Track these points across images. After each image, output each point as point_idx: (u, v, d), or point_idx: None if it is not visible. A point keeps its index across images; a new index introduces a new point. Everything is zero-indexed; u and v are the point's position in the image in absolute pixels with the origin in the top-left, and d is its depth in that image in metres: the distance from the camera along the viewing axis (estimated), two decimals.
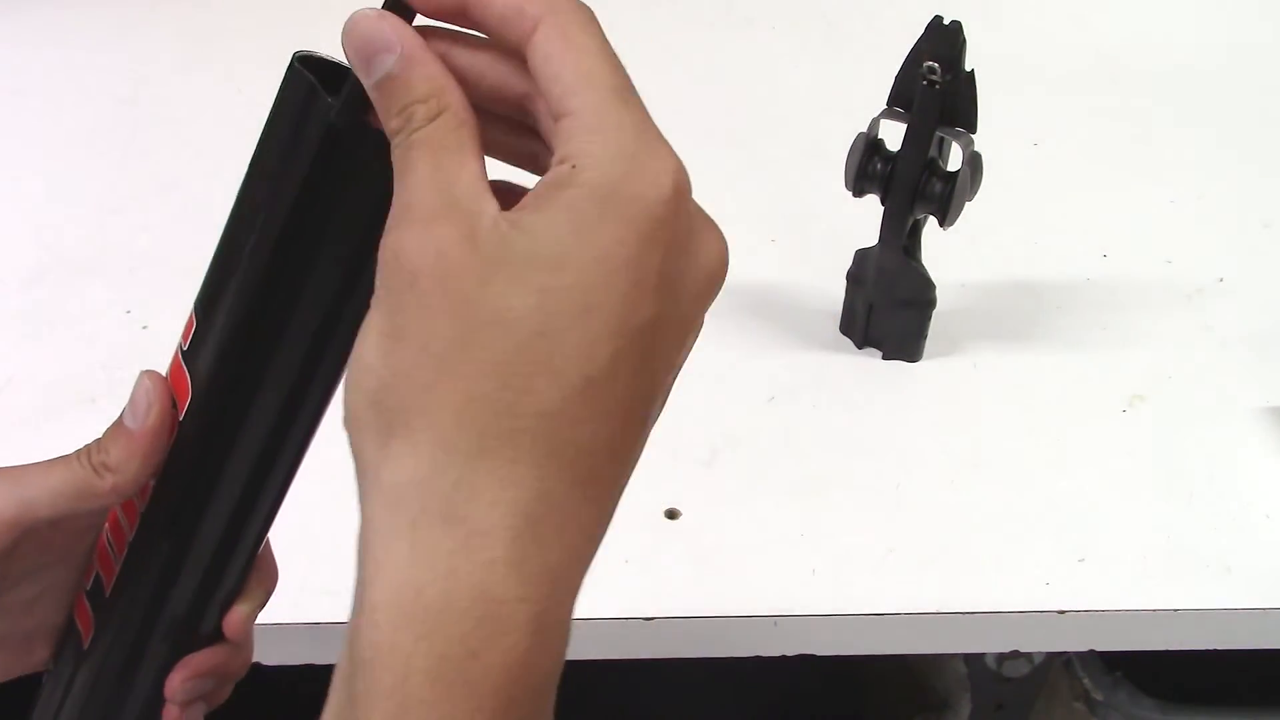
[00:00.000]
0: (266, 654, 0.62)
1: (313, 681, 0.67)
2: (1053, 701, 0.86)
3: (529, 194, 0.30)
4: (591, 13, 0.31)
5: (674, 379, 0.33)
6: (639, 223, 0.29)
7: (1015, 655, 0.79)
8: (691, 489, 0.69)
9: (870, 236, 0.75)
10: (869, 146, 0.72)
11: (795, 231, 0.90)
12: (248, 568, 0.42)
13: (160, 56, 1.10)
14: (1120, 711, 0.83)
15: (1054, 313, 0.83)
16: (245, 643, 0.44)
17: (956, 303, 0.81)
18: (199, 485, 0.39)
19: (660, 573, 0.65)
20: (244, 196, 0.35)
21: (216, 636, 0.43)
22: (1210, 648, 0.65)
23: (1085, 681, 0.84)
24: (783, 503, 0.69)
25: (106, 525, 0.42)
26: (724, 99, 1.06)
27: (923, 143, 0.70)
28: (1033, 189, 0.94)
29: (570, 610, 0.31)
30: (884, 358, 0.79)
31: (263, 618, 0.63)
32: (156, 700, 0.43)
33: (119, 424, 0.38)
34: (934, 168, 0.71)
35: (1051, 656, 0.81)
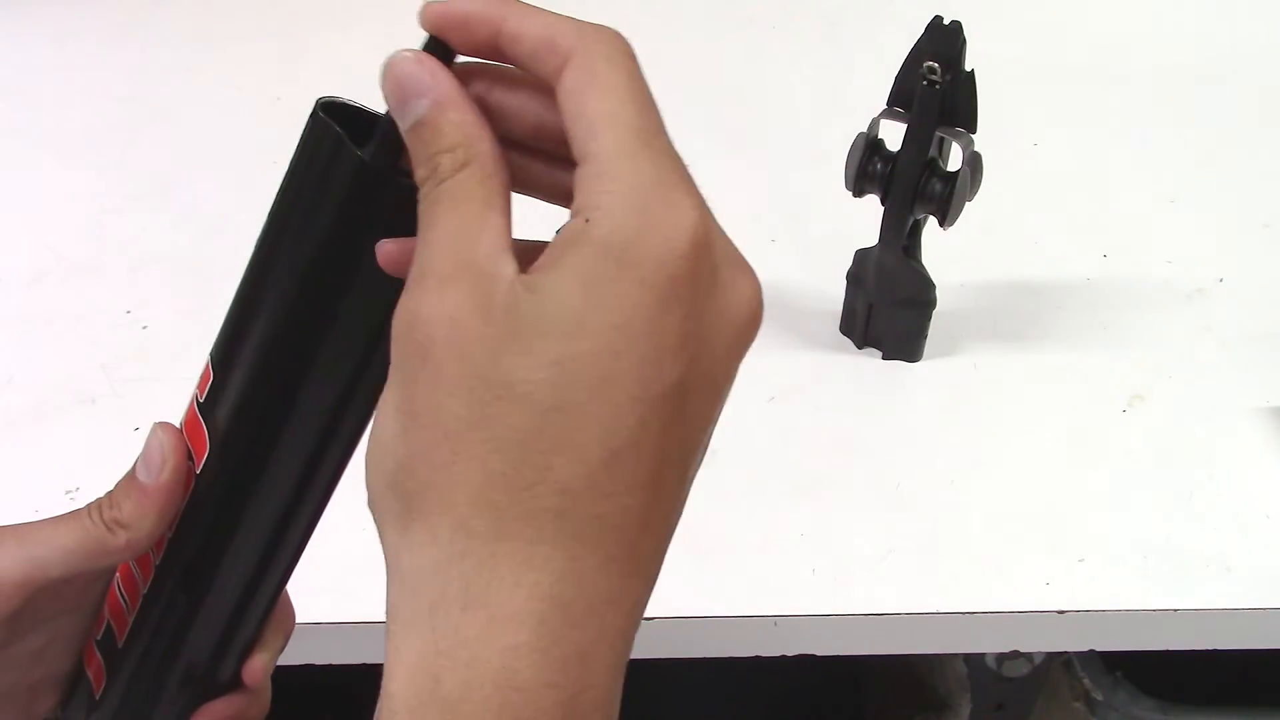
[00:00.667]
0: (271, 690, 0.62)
1: (311, 681, 0.67)
2: (1053, 701, 0.86)
3: (546, 250, 0.29)
4: (626, 46, 0.30)
5: (711, 432, 0.31)
6: (655, 282, 0.27)
7: (1015, 655, 0.79)
8: (692, 489, 0.69)
9: (870, 236, 0.75)
10: (869, 146, 0.72)
11: (795, 231, 0.89)
12: (267, 616, 0.42)
13: (160, 56, 1.10)
14: (1120, 711, 0.83)
15: (1054, 313, 0.83)
16: (264, 690, 0.43)
17: (956, 303, 0.81)
18: (216, 538, 0.38)
19: (660, 573, 0.65)
20: (264, 248, 0.34)
21: (234, 684, 0.42)
22: (1210, 648, 0.65)
23: (1085, 681, 0.84)
24: (783, 503, 0.69)
25: (118, 575, 0.41)
26: (724, 99, 1.05)
27: (923, 143, 0.70)
28: (1033, 189, 0.94)
29: (609, 691, 0.30)
30: (884, 358, 0.79)
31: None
32: None
33: (132, 478, 0.37)
34: (934, 168, 0.71)
35: (1051, 656, 0.81)
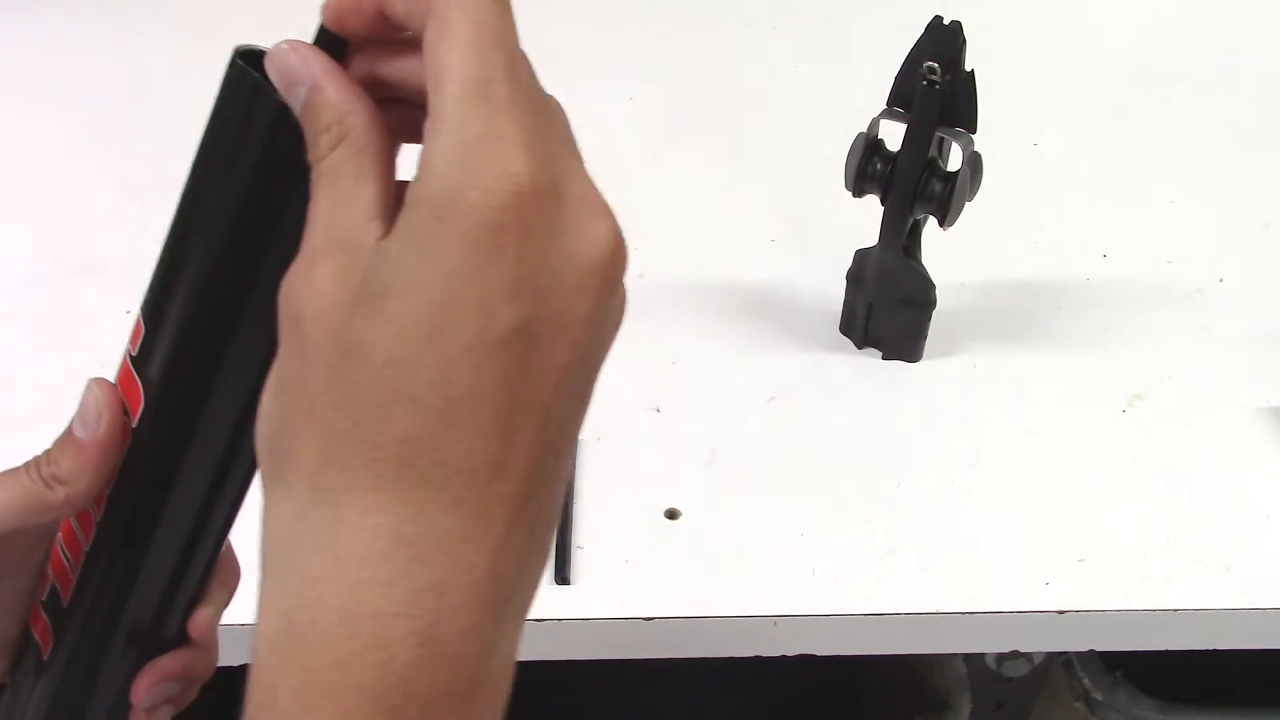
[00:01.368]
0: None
1: None
2: (1053, 701, 0.87)
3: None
4: None
5: (575, 381, 0.31)
6: (476, 233, 0.28)
7: (1015, 655, 0.79)
8: (691, 489, 0.69)
9: (870, 236, 0.75)
10: (869, 146, 0.72)
11: (795, 231, 0.90)
12: (209, 570, 0.42)
13: (160, 56, 1.10)
14: (1120, 711, 0.83)
15: (1054, 313, 0.83)
16: (210, 644, 0.44)
17: (956, 303, 0.81)
18: (155, 492, 0.38)
19: (660, 573, 0.65)
20: (188, 197, 0.35)
21: (181, 640, 0.43)
22: (1210, 648, 0.65)
23: (1085, 681, 0.84)
24: (783, 503, 0.69)
25: (60, 534, 0.41)
26: (724, 99, 1.06)
27: (923, 143, 0.70)
28: (1033, 189, 0.94)
29: (478, 627, 0.30)
30: (884, 358, 0.79)
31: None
32: (122, 706, 0.43)
33: (68, 434, 0.38)
34: (934, 168, 0.71)
35: (1051, 656, 0.81)
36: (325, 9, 0.32)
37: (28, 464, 0.39)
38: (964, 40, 0.67)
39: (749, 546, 0.66)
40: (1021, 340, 0.80)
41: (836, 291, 0.79)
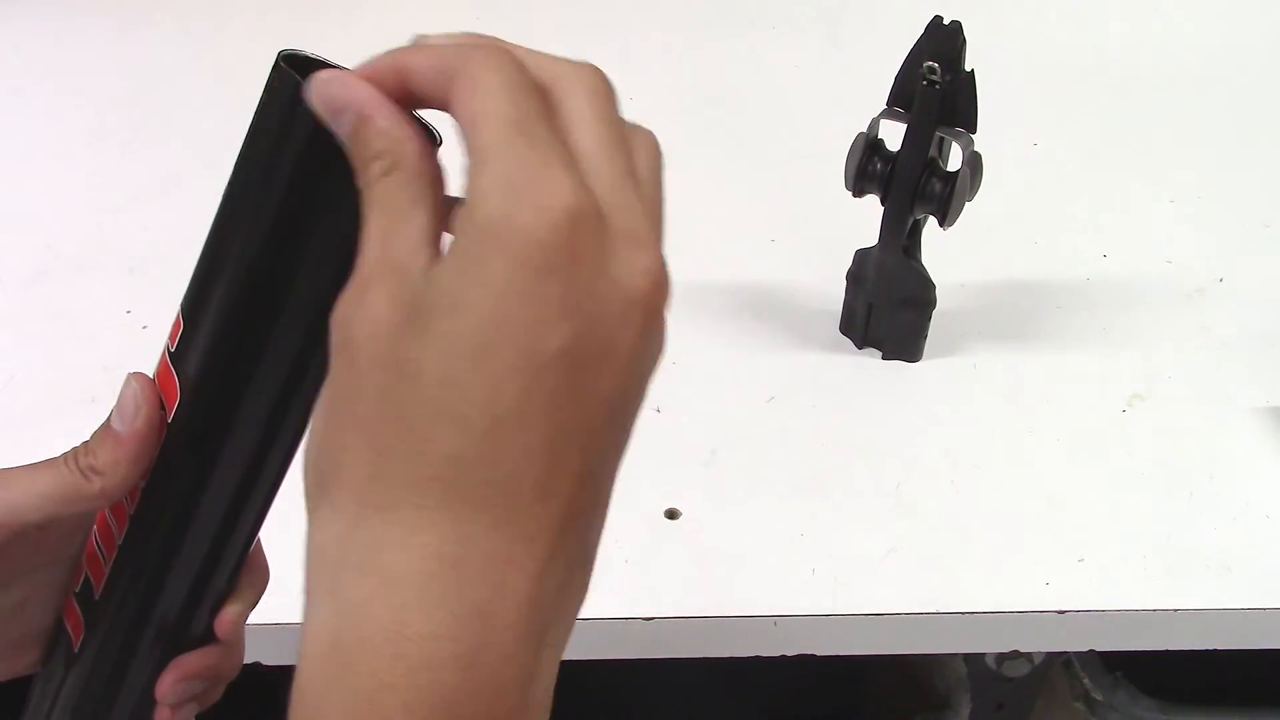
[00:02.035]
0: (266, 654, 0.62)
1: None
2: (1053, 701, 0.87)
3: None
4: (503, 52, 0.32)
5: (618, 412, 0.32)
6: (529, 254, 0.29)
7: (1015, 655, 0.79)
8: (691, 489, 0.69)
9: (870, 236, 0.75)
10: (869, 146, 0.72)
11: (795, 231, 0.90)
12: (239, 568, 0.42)
13: (160, 56, 1.10)
14: (1120, 711, 0.83)
15: (1054, 313, 0.83)
16: (237, 643, 0.44)
17: (956, 303, 0.81)
18: (189, 487, 0.39)
19: (660, 573, 0.65)
20: (230, 197, 0.35)
21: (208, 637, 0.43)
22: (1210, 648, 0.65)
23: (1085, 681, 0.84)
24: (783, 503, 0.69)
25: (95, 527, 0.42)
26: (724, 99, 1.06)
27: (923, 143, 0.70)
28: (1033, 189, 0.94)
29: (521, 652, 0.31)
30: (884, 358, 0.79)
31: (262, 618, 0.63)
32: (147, 702, 0.43)
33: (107, 427, 0.38)
34: (934, 168, 0.71)
35: (1051, 656, 0.81)
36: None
37: (66, 454, 0.39)
38: (964, 40, 0.67)
39: (749, 546, 0.66)
40: (1021, 340, 0.80)
41: (836, 291, 0.79)
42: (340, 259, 0.34)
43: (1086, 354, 0.79)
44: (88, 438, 0.39)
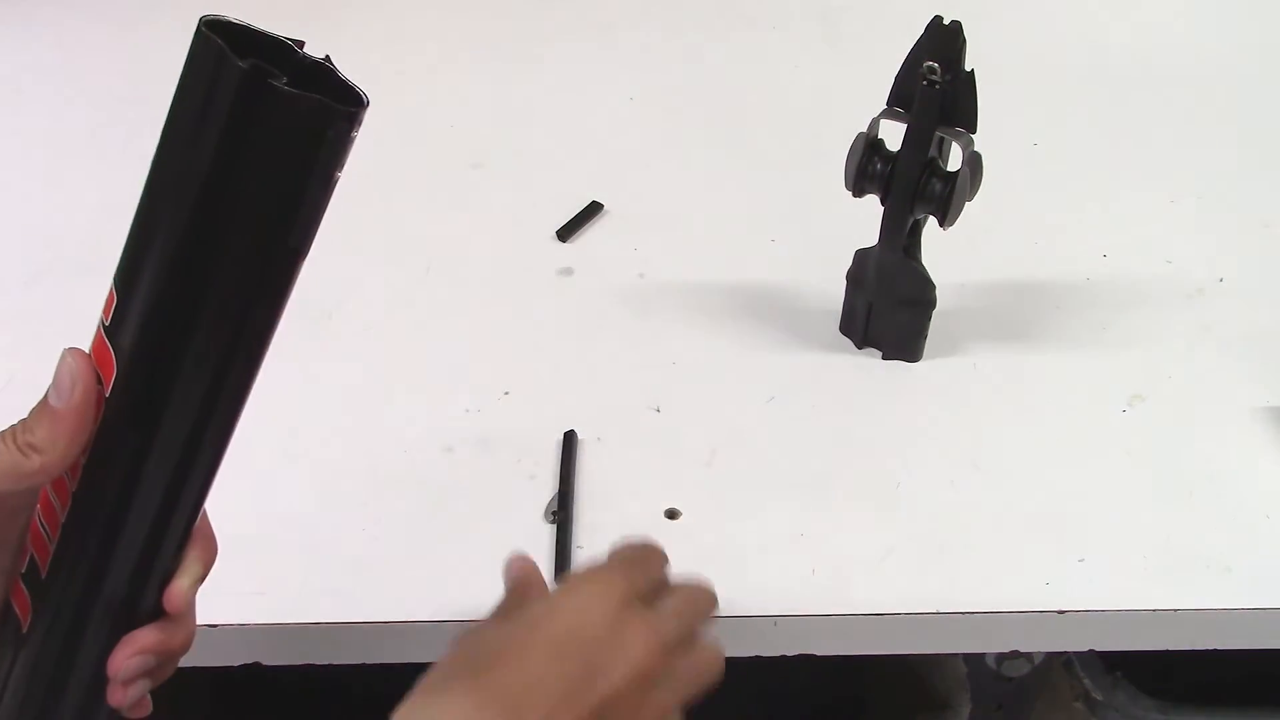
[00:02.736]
0: (266, 654, 0.62)
1: (311, 681, 0.67)
2: (1053, 701, 0.86)
3: None
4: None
5: None
6: None
7: (1015, 655, 0.79)
8: (691, 489, 0.69)
9: (870, 236, 0.75)
10: (869, 146, 0.72)
11: (795, 231, 0.90)
12: (184, 541, 0.42)
13: (160, 56, 1.10)
14: (1120, 711, 0.83)
15: (1054, 313, 0.83)
16: (187, 617, 0.44)
17: (956, 303, 0.81)
18: (128, 461, 0.39)
19: None
20: (156, 165, 0.35)
21: (157, 612, 0.43)
22: (1210, 648, 0.65)
23: (1085, 681, 0.84)
24: (783, 503, 0.69)
25: (38, 507, 0.42)
26: (724, 99, 1.06)
27: (923, 143, 0.70)
28: (1033, 189, 0.94)
29: None
30: (884, 358, 0.79)
31: (262, 618, 0.63)
32: (100, 679, 0.43)
33: (44, 403, 0.38)
34: (934, 168, 0.71)
35: (1051, 656, 0.81)
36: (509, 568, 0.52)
37: (3, 432, 0.39)
38: (964, 40, 0.67)
39: (749, 546, 0.66)
40: (1021, 340, 0.80)
41: (836, 291, 0.79)
42: (268, 223, 0.34)
43: (1086, 354, 0.79)
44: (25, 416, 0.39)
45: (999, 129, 0.75)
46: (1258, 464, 0.72)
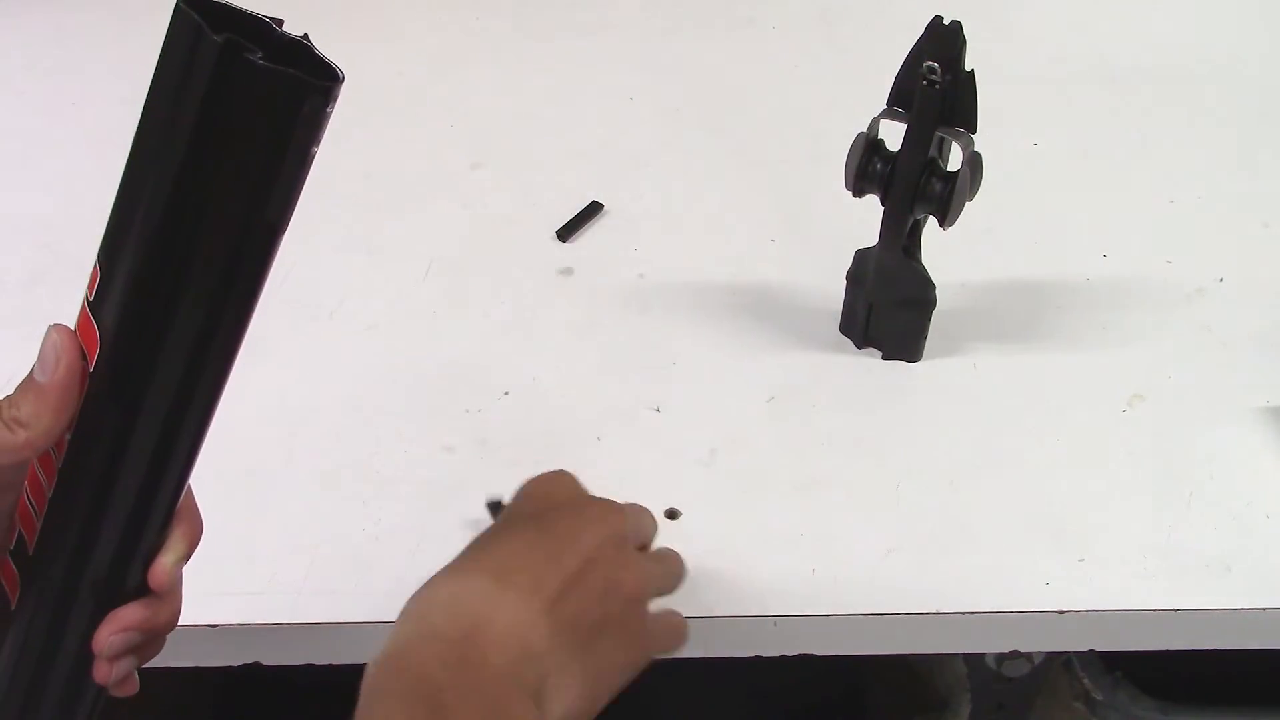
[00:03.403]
0: (267, 654, 0.62)
1: (311, 681, 0.67)
2: (1053, 701, 0.86)
3: None
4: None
5: None
6: None
7: (1015, 655, 0.79)
8: (691, 489, 0.69)
9: (870, 236, 0.75)
10: (869, 146, 0.72)
11: (795, 231, 0.89)
12: (169, 518, 0.42)
13: None
14: (1120, 711, 0.83)
15: (1054, 313, 0.83)
16: (172, 594, 0.44)
17: (956, 303, 0.81)
18: (112, 436, 0.39)
19: None
20: (138, 143, 0.35)
21: (143, 589, 0.43)
22: (1210, 648, 0.65)
23: (1085, 681, 0.84)
24: (783, 503, 0.69)
25: (26, 484, 0.42)
26: (724, 99, 1.05)
27: (923, 143, 0.70)
28: (1033, 189, 0.94)
29: None
30: (884, 358, 0.79)
31: (263, 618, 0.63)
32: (86, 656, 0.43)
33: (29, 379, 0.39)
34: (934, 168, 0.71)
35: (1051, 656, 0.81)
36: None
37: None
38: (964, 40, 0.67)
39: (749, 546, 0.66)
40: (1021, 340, 0.80)
41: (836, 291, 0.79)
42: (246, 197, 0.34)
43: (1086, 354, 0.79)
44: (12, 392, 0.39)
45: (999, 129, 0.75)
46: (1258, 464, 0.72)
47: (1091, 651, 0.70)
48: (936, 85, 0.67)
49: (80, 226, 0.89)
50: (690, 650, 0.64)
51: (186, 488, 0.42)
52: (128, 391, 0.38)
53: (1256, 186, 0.96)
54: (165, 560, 0.43)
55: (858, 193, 0.73)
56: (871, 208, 0.74)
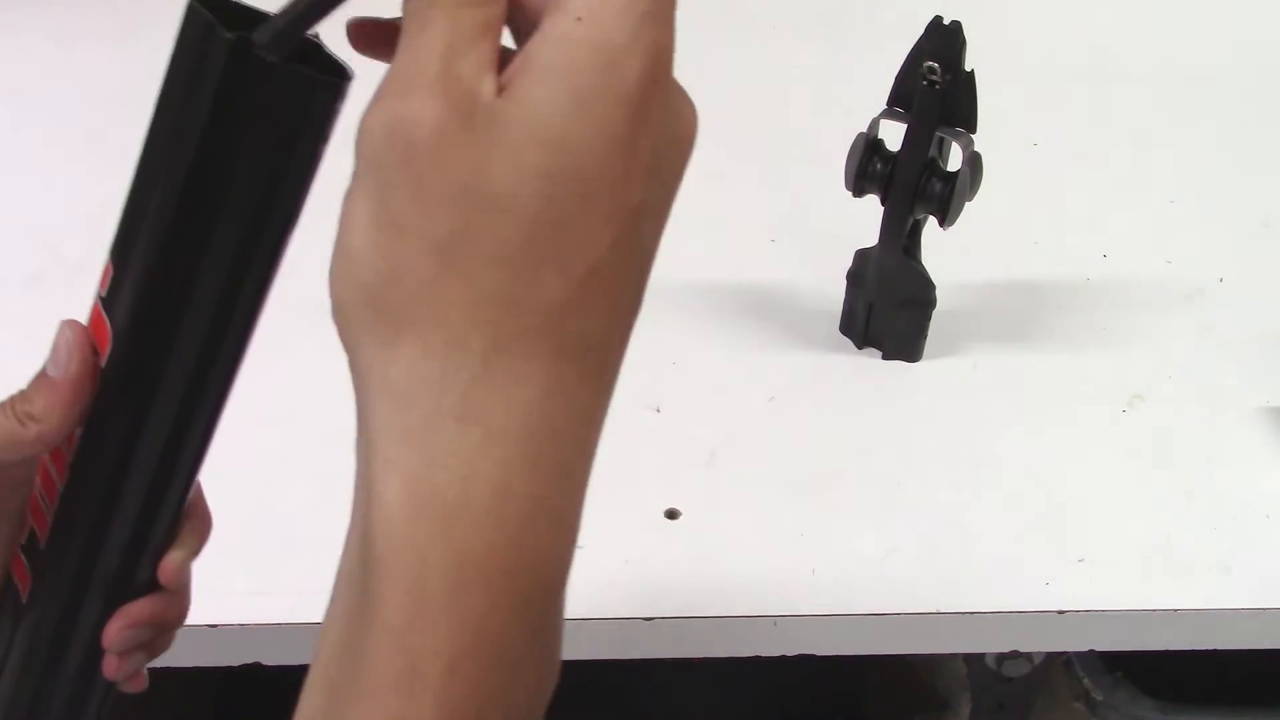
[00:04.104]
0: (266, 654, 0.62)
1: None
2: (1053, 701, 0.87)
3: (524, 51, 0.28)
4: None
5: (654, 257, 0.31)
6: (635, 98, 0.28)
7: (1015, 655, 0.79)
8: (691, 489, 0.69)
9: (870, 236, 0.75)
10: (869, 146, 0.72)
11: (795, 231, 0.89)
12: (179, 514, 0.42)
13: (160, 57, 1.09)
14: (1120, 711, 0.83)
15: (1054, 313, 0.83)
16: (182, 590, 0.44)
17: (956, 303, 0.81)
18: (124, 432, 0.39)
19: (660, 573, 0.65)
20: (150, 138, 0.36)
21: (154, 585, 0.43)
22: (1210, 648, 0.65)
23: (1085, 681, 0.84)
24: (783, 503, 0.69)
25: (38, 479, 0.42)
26: (724, 99, 1.05)
27: (923, 143, 0.70)
28: (1033, 189, 0.94)
29: (581, 505, 0.31)
30: (884, 358, 0.79)
31: (263, 617, 0.63)
32: (96, 651, 0.43)
33: (41, 374, 0.39)
34: (934, 168, 0.71)
35: (1051, 656, 0.81)
36: None
37: (2, 403, 0.40)
38: (964, 40, 0.67)
39: (749, 546, 0.66)
40: (1021, 340, 0.80)
41: (836, 291, 0.79)
42: (257, 193, 0.34)
43: (1086, 354, 0.79)
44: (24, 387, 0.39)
45: (999, 129, 0.75)
46: (1258, 464, 0.72)
47: (1091, 651, 0.70)
48: (936, 85, 0.67)
49: (80, 226, 0.89)
50: (690, 650, 0.65)
51: (196, 483, 0.42)
52: (140, 387, 0.38)
53: (1256, 186, 0.96)
54: (176, 556, 0.43)
55: (858, 193, 0.73)
56: (871, 208, 0.74)
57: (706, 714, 1.08)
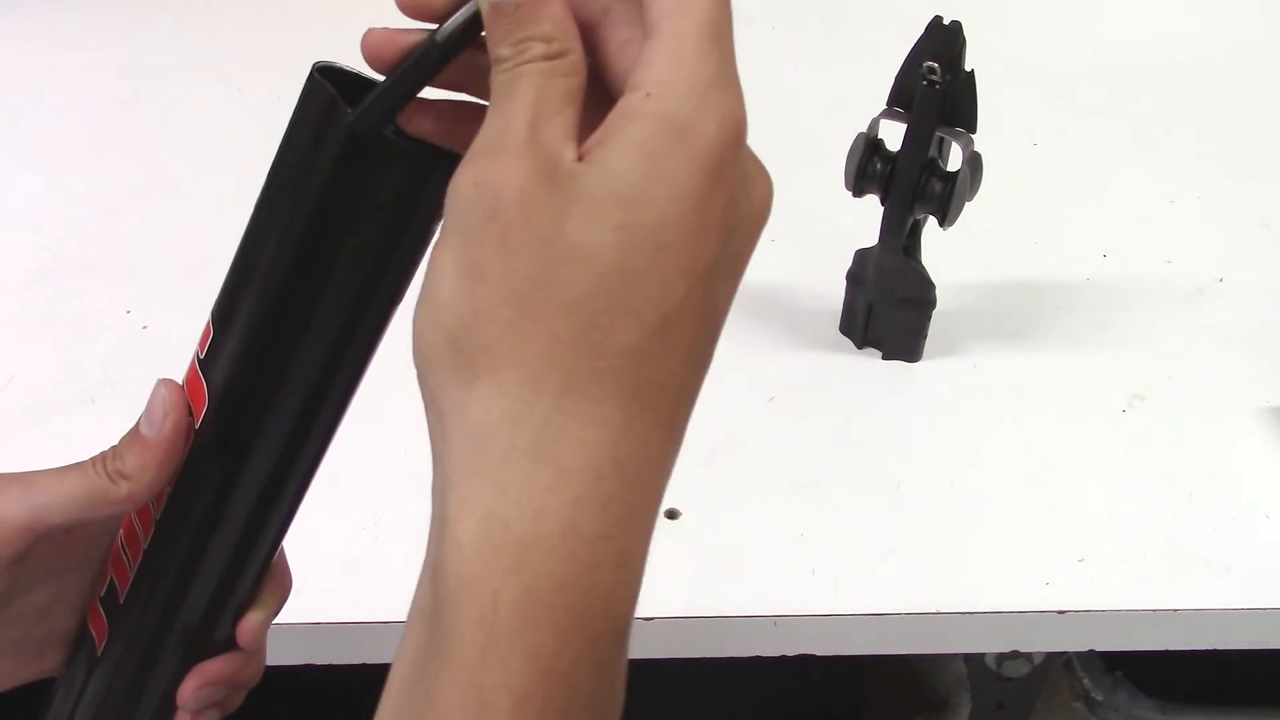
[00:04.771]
0: (267, 654, 0.62)
1: (311, 681, 0.67)
2: (1053, 701, 0.86)
3: (602, 125, 0.30)
4: None
5: (725, 317, 0.33)
6: (707, 161, 0.30)
7: (1015, 655, 0.79)
8: (691, 489, 0.69)
9: (870, 236, 0.75)
10: (869, 146, 0.72)
11: (795, 231, 0.89)
12: (262, 576, 0.42)
13: (160, 56, 1.10)
14: (1120, 711, 0.83)
15: (1054, 313, 0.83)
16: (258, 651, 0.44)
17: (956, 303, 0.81)
18: (214, 494, 0.39)
19: (660, 573, 0.64)
20: (261, 207, 0.35)
21: (230, 644, 0.43)
22: (1210, 648, 0.65)
23: (1085, 681, 0.84)
24: (783, 503, 0.69)
25: (121, 531, 0.42)
26: None
27: (923, 143, 0.70)
28: (1033, 189, 0.94)
29: (647, 549, 0.32)
30: (884, 358, 0.79)
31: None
32: (169, 707, 0.43)
33: (135, 432, 0.38)
34: (934, 168, 0.71)
35: (1051, 656, 0.81)
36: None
37: (94, 458, 0.39)
38: (964, 40, 0.67)
39: (749, 546, 0.66)
40: (1021, 340, 0.80)
41: (836, 291, 0.79)
42: (367, 269, 0.34)
43: (1086, 354, 0.79)
44: (98, 434, 0.39)
45: (999, 129, 0.75)
46: (1258, 464, 0.72)
47: (1091, 651, 0.70)
48: (936, 85, 0.67)
49: (80, 226, 0.89)
50: (690, 650, 0.65)
51: (280, 546, 0.42)
52: (234, 450, 0.38)
53: (1256, 186, 0.96)
54: (255, 617, 0.43)
55: (858, 193, 0.73)
56: (871, 208, 0.74)
57: (706, 714, 1.08)
